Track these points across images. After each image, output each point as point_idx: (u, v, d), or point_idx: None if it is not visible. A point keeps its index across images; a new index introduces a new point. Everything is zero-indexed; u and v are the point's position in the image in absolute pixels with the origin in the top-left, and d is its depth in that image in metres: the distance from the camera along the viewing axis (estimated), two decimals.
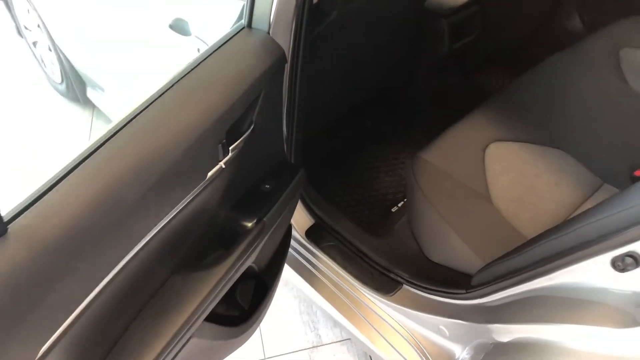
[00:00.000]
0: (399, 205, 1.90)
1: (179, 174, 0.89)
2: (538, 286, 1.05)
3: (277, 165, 1.33)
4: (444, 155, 1.55)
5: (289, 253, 1.66)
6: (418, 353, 1.40)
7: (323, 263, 1.61)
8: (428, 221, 1.48)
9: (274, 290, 1.35)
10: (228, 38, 1.06)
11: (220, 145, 0.98)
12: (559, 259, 1.00)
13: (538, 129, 1.62)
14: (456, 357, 1.35)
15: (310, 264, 1.66)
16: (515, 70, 2.45)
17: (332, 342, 1.86)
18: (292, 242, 1.69)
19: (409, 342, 1.43)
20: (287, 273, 1.73)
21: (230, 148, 1.02)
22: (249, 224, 1.14)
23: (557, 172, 1.53)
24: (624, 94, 1.74)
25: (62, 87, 2.80)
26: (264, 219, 1.15)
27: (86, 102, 2.77)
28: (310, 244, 1.63)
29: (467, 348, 1.31)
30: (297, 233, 1.64)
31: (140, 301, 0.94)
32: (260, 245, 1.15)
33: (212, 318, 1.08)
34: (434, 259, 1.45)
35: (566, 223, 1.02)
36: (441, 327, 1.34)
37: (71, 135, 2.77)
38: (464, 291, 1.27)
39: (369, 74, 1.93)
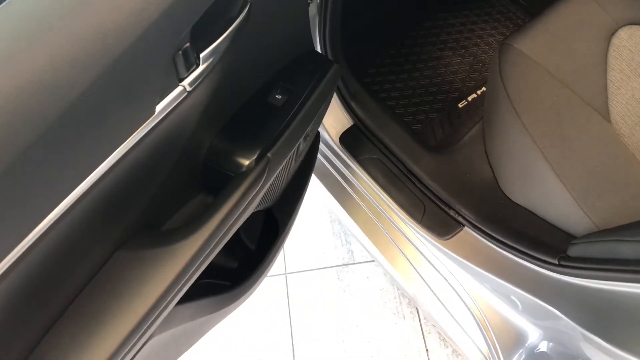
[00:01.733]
0: (469, 99, 1.43)
1: (100, 113, 0.49)
2: None
3: (298, 59, 0.89)
4: (547, 45, 1.05)
5: (317, 159, 1.29)
6: (475, 319, 1.07)
7: (360, 180, 1.23)
8: (511, 142, 1.05)
9: (288, 231, 1.00)
10: None
11: (180, 53, 0.55)
12: None
13: None
14: (528, 342, 1.01)
15: (342, 178, 1.29)
16: None
17: (366, 261, 1.56)
18: (322, 147, 1.30)
19: (464, 303, 1.09)
20: (314, 182, 1.37)
21: (202, 55, 0.59)
22: (245, 162, 0.75)
23: None
24: None
25: None
26: (269, 154, 0.75)
27: None
28: (344, 153, 1.24)
29: (547, 339, 0.96)
30: (329, 136, 1.25)
31: (65, 297, 0.61)
32: (262, 192, 0.77)
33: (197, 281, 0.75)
34: (514, 198, 1.05)
35: None
36: (513, 297, 0.99)
37: None
38: (556, 261, 0.88)
39: None
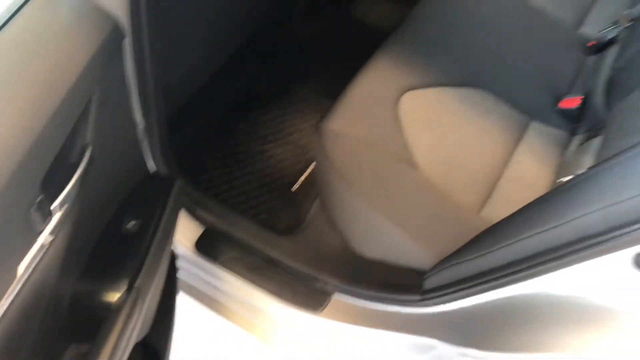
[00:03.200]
0: (301, 180, 1.57)
1: None
2: (525, 292, 0.81)
3: (140, 185, 0.92)
4: (353, 120, 1.23)
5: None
6: None
7: (228, 283, 1.25)
8: (347, 207, 1.18)
9: (168, 357, 0.98)
10: (13, 12, 0.61)
11: (34, 207, 0.56)
12: (553, 258, 0.75)
13: (451, 67, 1.35)
14: None
15: (209, 285, 1.30)
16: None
17: None
18: (180, 261, 1.30)
19: None
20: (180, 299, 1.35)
21: (55, 204, 0.60)
22: (114, 298, 0.74)
23: (482, 116, 1.30)
24: (526, 12, 1.54)
25: None
26: (136, 284, 0.76)
27: None
28: (204, 260, 1.25)
29: None
30: (184, 248, 1.26)
31: None
32: (138, 325, 0.77)
33: None
34: (367, 255, 1.17)
35: (556, 210, 0.77)
36: (395, 342, 1.08)
37: None
38: (418, 296, 1.00)
39: (234, 19, 1.50)
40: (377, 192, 1.13)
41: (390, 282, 1.08)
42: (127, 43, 0.75)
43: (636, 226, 0.66)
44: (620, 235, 0.67)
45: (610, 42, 1.41)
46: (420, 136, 1.23)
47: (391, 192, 1.14)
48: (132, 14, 0.75)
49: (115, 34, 0.67)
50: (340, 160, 1.16)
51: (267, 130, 1.70)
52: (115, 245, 0.79)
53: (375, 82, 1.30)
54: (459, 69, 1.35)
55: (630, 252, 0.68)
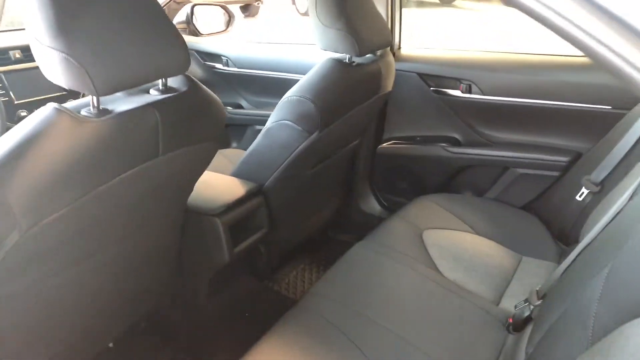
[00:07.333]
0: None
1: None
2: None
3: None
4: None
5: None
6: None
7: None
8: None
9: None
10: None
11: None
12: None
13: (360, 333, 1.21)
14: None
15: None
16: (322, 263, 2.16)
17: None
18: None
19: None
20: None
21: None
22: None
23: None
24: (440, 284, 1.47)
25: None
26: None
27: None
28: None
29: None
30: None
31: None
32: None
33: None
34: None
35: None
36: None
37: None
38: None
39: (120, 303, 1.38)
40: None
41: None
42: None
43: None
44: None
45: (529, 319, 1.31)
46: None
47: None
48: None
49: None
50: None
51: None
52: None
53: (280, 349, 1.14)
54: (366, 339, 1.20)
55: None
